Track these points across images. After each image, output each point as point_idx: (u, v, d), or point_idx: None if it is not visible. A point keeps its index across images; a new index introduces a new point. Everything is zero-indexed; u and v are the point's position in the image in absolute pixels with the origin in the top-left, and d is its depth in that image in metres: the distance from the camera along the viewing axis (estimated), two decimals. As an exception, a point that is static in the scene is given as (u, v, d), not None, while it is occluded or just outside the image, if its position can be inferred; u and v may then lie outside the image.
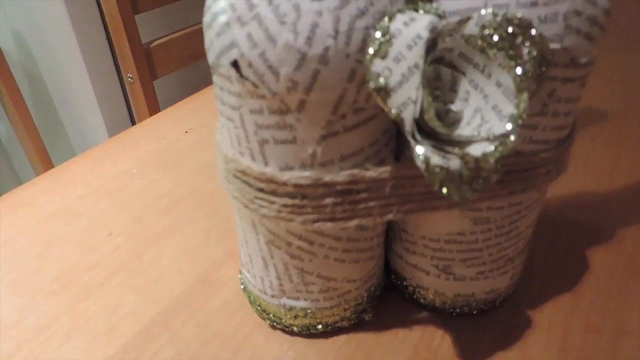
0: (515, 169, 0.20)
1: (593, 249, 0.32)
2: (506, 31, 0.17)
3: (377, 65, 0.16)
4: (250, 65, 0.17)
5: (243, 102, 0.18)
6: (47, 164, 0.83)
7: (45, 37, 0.89)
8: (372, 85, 0.16)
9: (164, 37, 0.80)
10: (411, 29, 0.16)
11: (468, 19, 0.17)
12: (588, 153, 0.40)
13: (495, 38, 0.17)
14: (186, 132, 0.42)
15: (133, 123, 0.99)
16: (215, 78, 0.19)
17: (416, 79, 0.16)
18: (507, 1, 0.17)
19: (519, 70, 0.17)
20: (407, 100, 0.16)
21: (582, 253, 0.32)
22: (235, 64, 0.17)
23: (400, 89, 0.16)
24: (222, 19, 0.17)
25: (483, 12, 0.17)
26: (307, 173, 0.19)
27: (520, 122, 0.17)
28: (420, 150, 0.17)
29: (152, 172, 0.38)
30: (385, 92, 0.16)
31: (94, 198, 0.35)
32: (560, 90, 0.19)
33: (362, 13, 0.16)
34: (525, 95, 0.17)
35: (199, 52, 0.85)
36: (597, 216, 0.34)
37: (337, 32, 0.16)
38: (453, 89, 0.18)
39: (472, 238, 0.23)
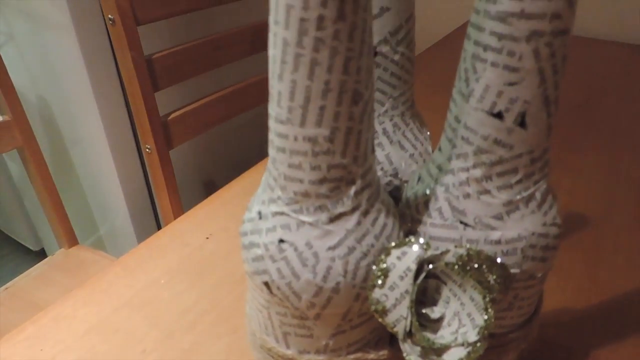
0: (488, 346, 0.25)
1: (568, 370, 0.36)
2: (475, 263, 0.21)
3: (376, 293, 0.21)
4: (278, 288, 0.21)
5: (271, 305, 0.23)
6: (61, 215, 0.89)
7: (70, 111, 0.95)
8: (372, 307, 0.21)
9: (180, 109, 0.86)
10: (403, 263, 0.21)
11: (447, 251, 0.22)
12: (568, 265, 0.45)
13: (467, 268, 0.21)
14: (207, 238, 0.47)
15: (149, 189, 1.04)
16: (249, 281, 0.24)
17: (407, 302, 0.21)
18: (477, 237, 0.22)
19: (485, 293, 0.21)
20: (400, 317, 0.21)
21: (559, 374, 0.36)
22: (266, 284, 0.22)
23: (395, 309, 0.21)
24: (258, 251, 0.22)
25: (458, 247, 0.22)
26: (320, 357, 0.24)
27: (487, 333, 0.21)
28: (409, 357, 0.21)
29: (178, 282, 0.42)
30: (382, 312, 0.21)
31: (128, 311, 0.40)
32: (523, 293, 0.23)
33: (364, 255, 0.21)
34: (491, 312, 0.21)
35: (212, 121, 0.91)
36: (572, 336, 0.38)
37: (346, 272, 0.21)
38: (438, 292, 0.23)
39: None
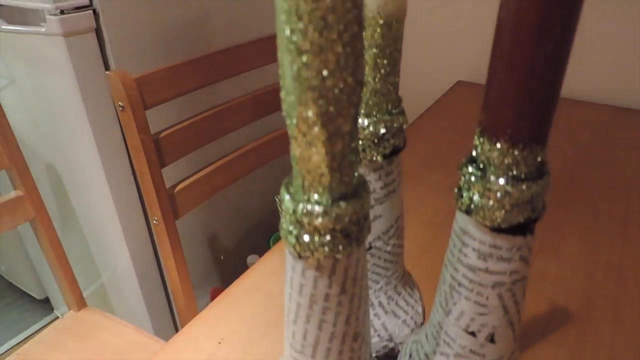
0: None
1: None
2: None
3: None
4: None
5: None
6: (71, 280, 0.92)
7: (80, 182, 1.00)
8: None
9: (185, 179, 0.91)
10: None
11: None
12: (552, 365, 0.49)
13: None
14: (219, 342, 0.51)
15: (156, 255, 1.08)
16: None
17: None
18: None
19: None
20: None
21: None
22: None
23: None
24: None
25: None
26: None
27: None
28: None
29: (195, 393, 0.46)
30: None
31: None
32: None
33: None
34: None
35: (216, 187, 0.96)
36: None
37: None
38: None
39: None
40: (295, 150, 0.18)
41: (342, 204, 0.18)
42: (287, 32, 0.15)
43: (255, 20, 1.19)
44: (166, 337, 1.23)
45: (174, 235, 0.90)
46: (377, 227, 0.29)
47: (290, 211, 0.19)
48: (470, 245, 0.22)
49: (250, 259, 1.32)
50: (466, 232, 0.22)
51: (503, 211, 0.20)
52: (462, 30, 1.13)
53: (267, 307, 0.55)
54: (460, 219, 0.23)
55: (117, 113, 0.88)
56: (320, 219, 0.18)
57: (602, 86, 1.06)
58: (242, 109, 0.99)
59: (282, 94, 0.17)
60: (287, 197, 0.19)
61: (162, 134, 0.84)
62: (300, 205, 0.19)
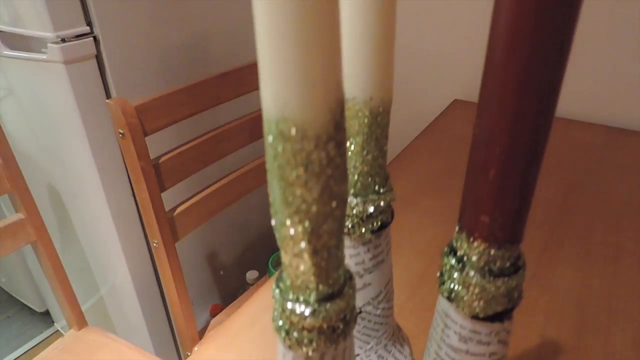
0: None
1: None
2: None
3: None
4: None
5: None
6: (72, 301, 0.94)
7: (81, 208, 1.01)
8: None
9: (184, 202, 0.92)
10: None
11: None
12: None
13: None
14: (218, 378, 0.52)
15: (157, 274, 1.10)
16: None
17: None
18: None
19: None
20: None
21: None
22: None
23: None
24: None
25: None
26: None
27: None
28: None
29: None
30: None
31: None
32: None
33: None
34: None
35: (215, 209, 0.97)
36: None
37: None
38: None
39: None
40: (284, 257, 0.19)
41: (329, 305, 0.20)
42: (275, 165, 0.17)
43: (253, 43, 1.20)
44: (167, 356, 1.24)
45: (174, 258, 0.91)
46: (366, 294, 0.30)
47: (280, 309, 0.20)
48: (452, 328, 0.23)
49: (249, 274, 1.33)
50: (448, 316, 0.24)
51: (482, 302, 0.22)
52: (457, 47, 1.15)
53: (264, 342, 0.56)
54: (443, 302, 0.24)
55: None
56: (308, 320, 0.20)
57: (597, 106, 1.07)
58: (240, 131, 1.00)
59: (272, 211, 0.18)
60: (277, 293, 0.21)
61: (162, 159, 0.86)
62: (289, 305, 0.20)
